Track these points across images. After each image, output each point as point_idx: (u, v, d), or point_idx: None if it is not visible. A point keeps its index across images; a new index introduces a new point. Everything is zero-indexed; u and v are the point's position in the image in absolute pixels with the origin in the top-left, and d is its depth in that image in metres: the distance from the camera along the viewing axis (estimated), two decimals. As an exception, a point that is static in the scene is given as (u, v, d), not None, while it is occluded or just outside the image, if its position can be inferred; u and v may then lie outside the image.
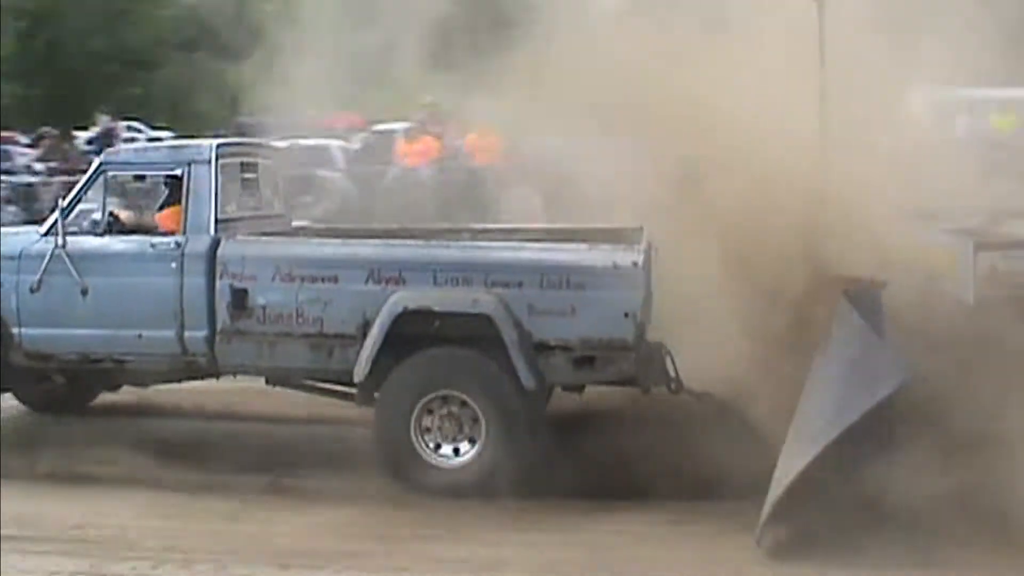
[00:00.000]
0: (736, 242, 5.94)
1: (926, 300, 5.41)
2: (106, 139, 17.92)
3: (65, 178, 14.33)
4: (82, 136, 20.18)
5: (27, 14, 23.85)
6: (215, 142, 6.69)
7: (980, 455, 5.07)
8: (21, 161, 18.07)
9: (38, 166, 17.33)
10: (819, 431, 4.91)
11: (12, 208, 14.75)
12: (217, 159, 6.56)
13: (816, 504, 5.01)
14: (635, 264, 5.88)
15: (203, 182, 6.50)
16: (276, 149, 7.97)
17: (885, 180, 5.99)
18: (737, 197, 5.96)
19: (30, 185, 16.05)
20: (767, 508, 4.95)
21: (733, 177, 6.05)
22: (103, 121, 20.44)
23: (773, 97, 6.21)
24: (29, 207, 14.60)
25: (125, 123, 21.41)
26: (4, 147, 18.32)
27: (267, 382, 6.76)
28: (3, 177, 16.12)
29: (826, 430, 4.89)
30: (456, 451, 6.11)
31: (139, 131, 22.36)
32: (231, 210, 6.77)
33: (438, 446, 6.14)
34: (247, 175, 7.08)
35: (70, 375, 7.24)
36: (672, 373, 6.16)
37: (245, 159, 7.09)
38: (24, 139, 20.14)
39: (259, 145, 7.65)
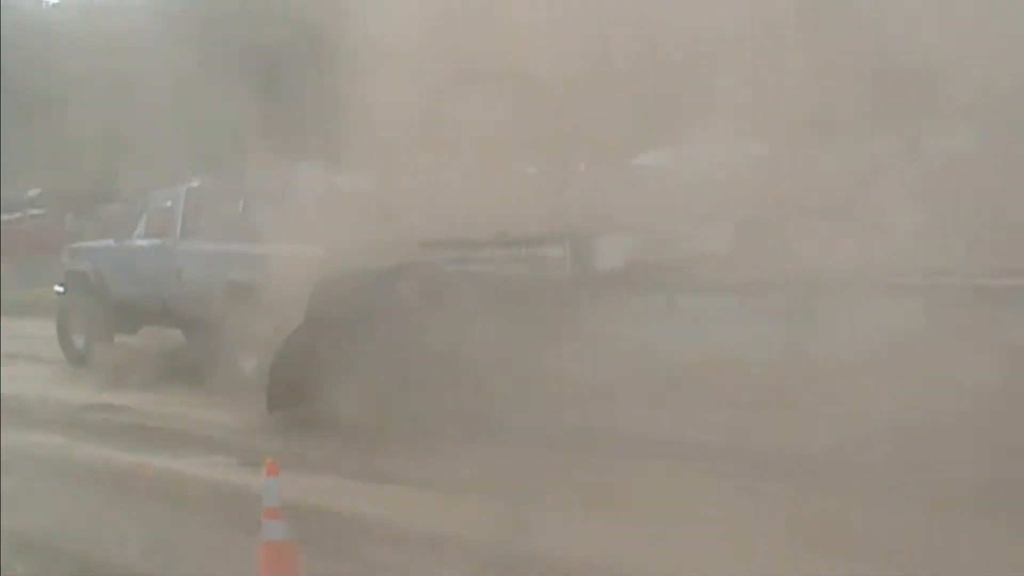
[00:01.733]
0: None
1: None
2: None
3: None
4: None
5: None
6: (185, 187, 11.98)
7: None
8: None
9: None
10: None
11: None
12: (185, 198, 11.81)
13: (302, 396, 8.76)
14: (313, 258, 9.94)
15: (177, 210, 11.80)
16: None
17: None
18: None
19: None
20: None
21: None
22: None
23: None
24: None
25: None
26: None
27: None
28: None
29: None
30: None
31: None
32: (202, 225, 11.93)
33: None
34: (226, 205, 12.23)
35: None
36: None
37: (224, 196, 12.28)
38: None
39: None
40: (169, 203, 12.03)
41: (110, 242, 12.80)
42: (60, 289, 13.02)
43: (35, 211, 23.90)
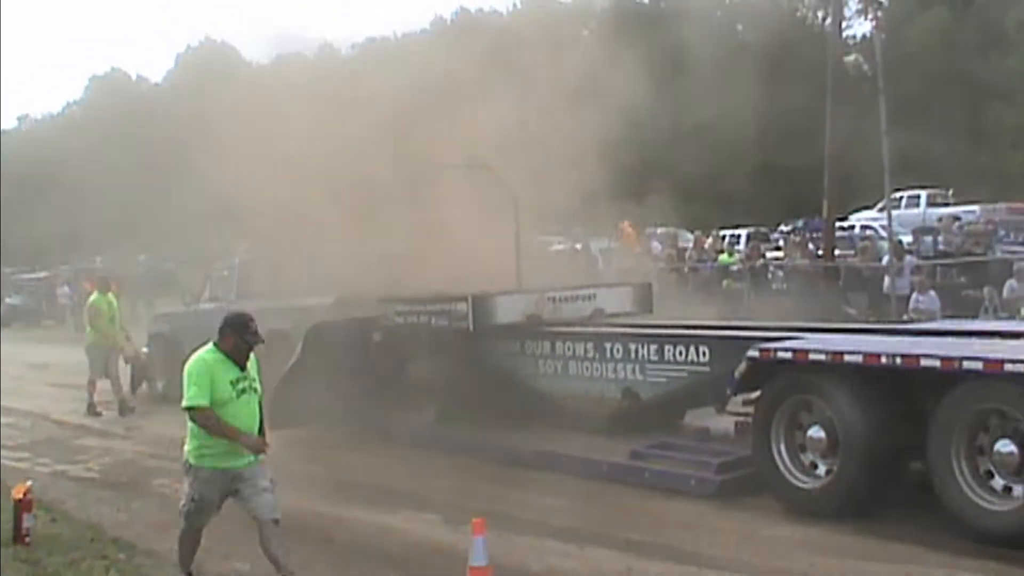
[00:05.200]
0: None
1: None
2: None
3: None
4: None
5: None
6: (238, 258, 14.74)
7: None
8: None
9: None
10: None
11: None
12: (239, 267, 14.56)
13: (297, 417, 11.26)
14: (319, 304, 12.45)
15: (232, 277, 14.55)
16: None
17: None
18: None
19: None
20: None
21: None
22: None
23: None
24: None
25: None
26: None
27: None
28: None
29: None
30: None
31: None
32: (254, 290, 14.67)
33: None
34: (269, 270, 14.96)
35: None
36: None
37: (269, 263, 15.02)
38: None
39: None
40: (226, 272, 14.83)
41: (180, 307, 15.69)
42: (146, 349, 15.95)
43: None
